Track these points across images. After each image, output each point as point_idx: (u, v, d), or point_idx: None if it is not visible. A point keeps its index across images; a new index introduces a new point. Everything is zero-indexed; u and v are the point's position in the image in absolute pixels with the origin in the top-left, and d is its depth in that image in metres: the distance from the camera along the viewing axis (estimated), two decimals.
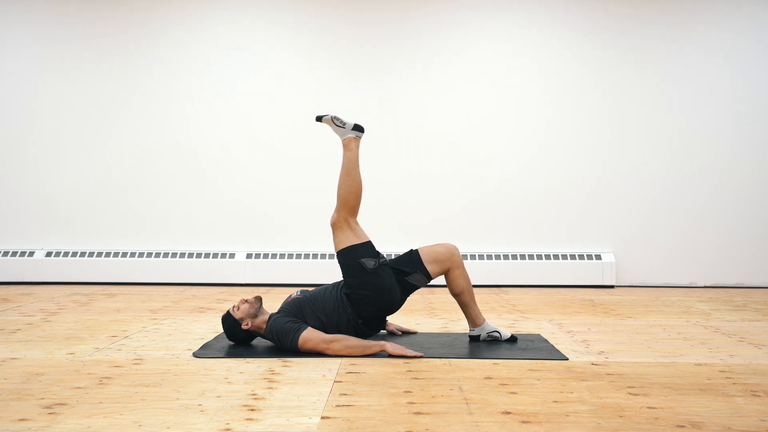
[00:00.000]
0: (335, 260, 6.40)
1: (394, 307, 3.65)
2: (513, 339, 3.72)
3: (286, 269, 6.46)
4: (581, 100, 6.60)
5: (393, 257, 3.84)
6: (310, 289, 3.75)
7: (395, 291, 3.60)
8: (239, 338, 3.55)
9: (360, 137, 3.79)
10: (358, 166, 3.74)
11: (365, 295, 3.54)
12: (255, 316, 3.52)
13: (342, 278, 3.67)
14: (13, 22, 6.69)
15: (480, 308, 4.91)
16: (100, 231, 6.64)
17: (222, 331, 3.94)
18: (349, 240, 3.61)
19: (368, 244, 3.62)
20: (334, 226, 3.68)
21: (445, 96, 6.61)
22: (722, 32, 6.54)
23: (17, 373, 2.98)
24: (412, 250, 3.73)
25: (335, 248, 3.66)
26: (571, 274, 6.39)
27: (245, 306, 3.52)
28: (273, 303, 4.67)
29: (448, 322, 4.40)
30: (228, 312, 3.56)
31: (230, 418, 2.36)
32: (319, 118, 3.82)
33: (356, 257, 3.56)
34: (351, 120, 3.81)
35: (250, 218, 6.63)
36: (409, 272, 3.62)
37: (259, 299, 3.56)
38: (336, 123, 3.81)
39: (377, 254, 3.60)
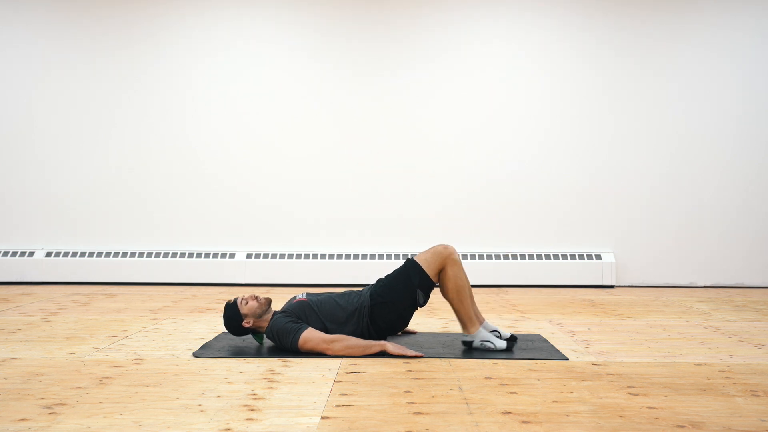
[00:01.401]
0: (335, 260, 6.44)
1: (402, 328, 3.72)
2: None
3: (287, 269, 6.45)
4: (582, 100, 6.60)
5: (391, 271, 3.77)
6: (315, 290, 3.74)
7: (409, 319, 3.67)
8: (235, 330, 3.52)
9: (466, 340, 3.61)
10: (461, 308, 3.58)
11: (389, 313, 3.54)
12: (259, 316, 3.50)
13: (370, 287, 3.64)
14: (12, 20, 6.69)
15: (480, 308, 4.92)
16: (100, 231, 6.64)
17: (222, 330, 3.94)
18: (430, 268, 3.54)
19: (432, 286, 3.58)
20: (447, 256, 3.53)
21: (446, 94, 6.61)
22: (724, 32, 6.54)
23: (17, 373, 2.98)
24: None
25: (418, 255, 3.61)
26: (572, 274, 6.39)
27: (254, 304, 3.48)
28: (273, 303, 4.67)
29: (448, 322, 4.40)
30: (235, 301, 3.50)
31: (230, 418, 2.36)
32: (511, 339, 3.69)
33: (418, 284, 3.53)
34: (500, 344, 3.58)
35: (250, 218, 6.63)
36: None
37: (269, 301, 3.52)
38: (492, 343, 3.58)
39: (427, 298, 3.59)
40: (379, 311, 3.53)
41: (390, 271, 3.72)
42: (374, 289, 3.60)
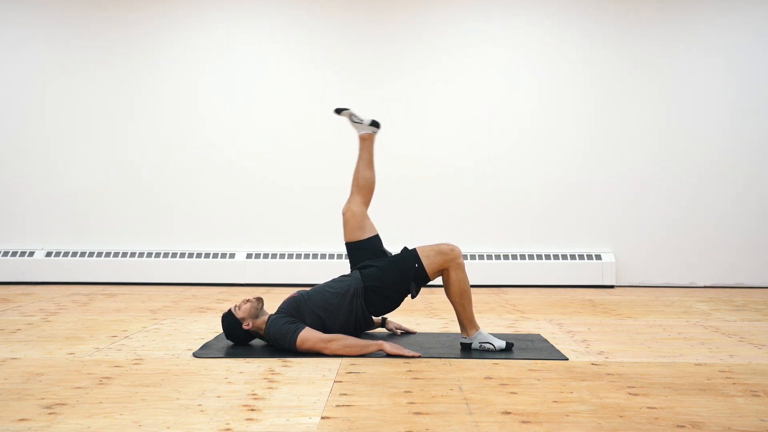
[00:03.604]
0: (335, 260, 6.44)
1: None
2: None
3: (286, 269, 6.45)
4: (581, 99, 6.60)
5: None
6: (308, 289, 3.75)
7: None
8: (238, 338, 3.55)
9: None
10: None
11: (381, 296, 3.56)
12: (257, 316, 3.52)
13: (358, 268, 3.66)
14: (15, 19, 6.68)
15: (480, 308, 4.92)
16: (100, 231, 6.64)
17: (222, 330, 3.94)
18: (430, 266, 3.51)
19: (426, 281, 3.58)
20: (452, 259, 3.50)
21: (446, 94, 6.61)
22: (720, 32, 6.54)
23: (17, 373, 2.98)
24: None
25: (421, 247, 3.59)
26: (571, 274, 6.39)
27: (247, 306, 3.52)
28: (273, 303, 4.66)
29: (448, 322, 4.40)
30: (229, 311, 3.55)
31: (230, 418, 2.36)
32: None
33: (414, 277, 3.54)
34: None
35: (250, 218, 6.63)
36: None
37: (260, 300, 3.56)
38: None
39: (418, 291, 3.61)
40: (372, 294, 3.56)
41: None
42: (367, 271, 3.60)
